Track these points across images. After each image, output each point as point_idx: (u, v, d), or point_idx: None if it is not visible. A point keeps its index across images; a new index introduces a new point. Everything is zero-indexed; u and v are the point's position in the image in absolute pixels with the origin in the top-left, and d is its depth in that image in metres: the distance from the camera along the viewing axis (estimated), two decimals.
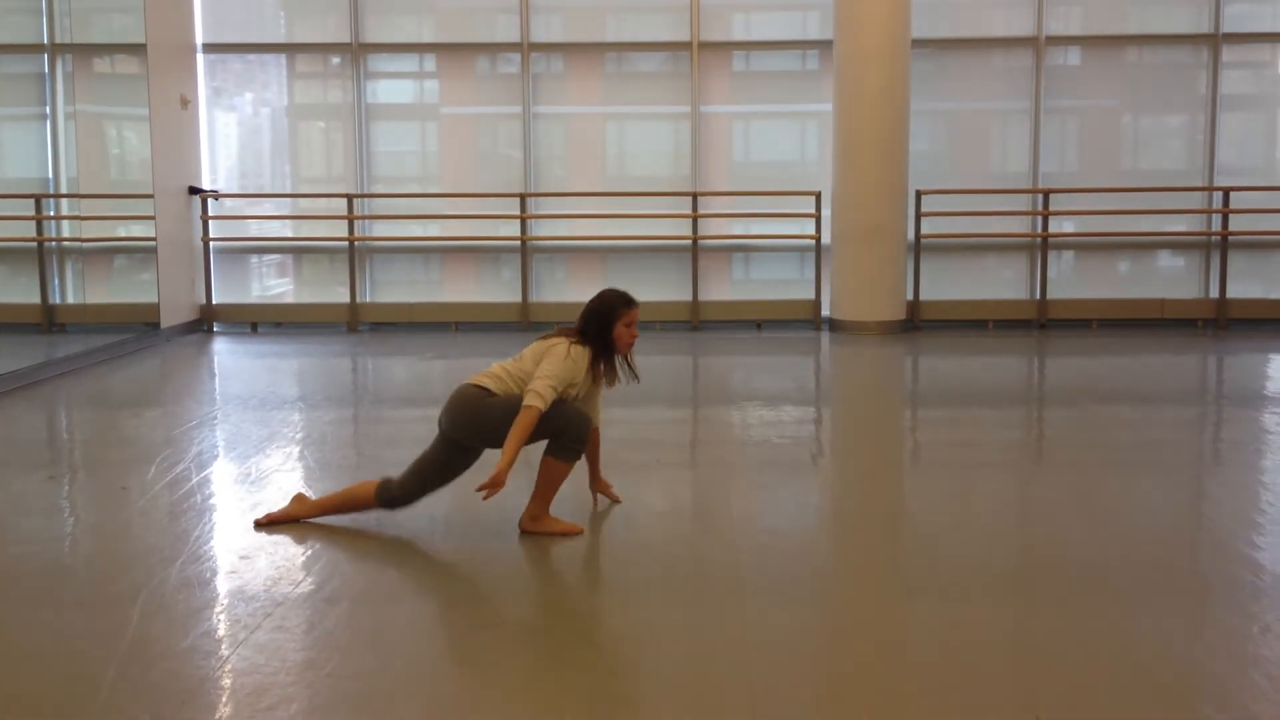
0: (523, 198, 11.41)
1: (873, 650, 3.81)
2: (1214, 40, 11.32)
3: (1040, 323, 11.25)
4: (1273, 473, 5.95)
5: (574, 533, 4.82)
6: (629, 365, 5.04)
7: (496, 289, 11.73)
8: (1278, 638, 3.73)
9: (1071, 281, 11.60)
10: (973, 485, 5.83)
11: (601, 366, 4.86)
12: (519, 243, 11.44)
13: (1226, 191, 11.22)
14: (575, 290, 11.58)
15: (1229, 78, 11.53)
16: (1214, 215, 11.31)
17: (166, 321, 10.78)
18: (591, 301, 4.90)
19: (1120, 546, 4.71)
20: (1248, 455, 6.42)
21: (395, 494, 4.89)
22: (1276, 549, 4.61)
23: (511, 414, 4.57)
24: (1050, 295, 11.34)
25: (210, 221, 11.43)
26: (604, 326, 4.83)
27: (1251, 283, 11.45)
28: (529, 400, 4.57)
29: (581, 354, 4.76)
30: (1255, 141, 11.84)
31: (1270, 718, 3.21)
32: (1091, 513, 5.26)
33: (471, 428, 4.76)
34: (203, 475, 5.88)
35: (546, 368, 4.65)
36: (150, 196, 10.60)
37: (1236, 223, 11.23)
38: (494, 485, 4.43)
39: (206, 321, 11.45)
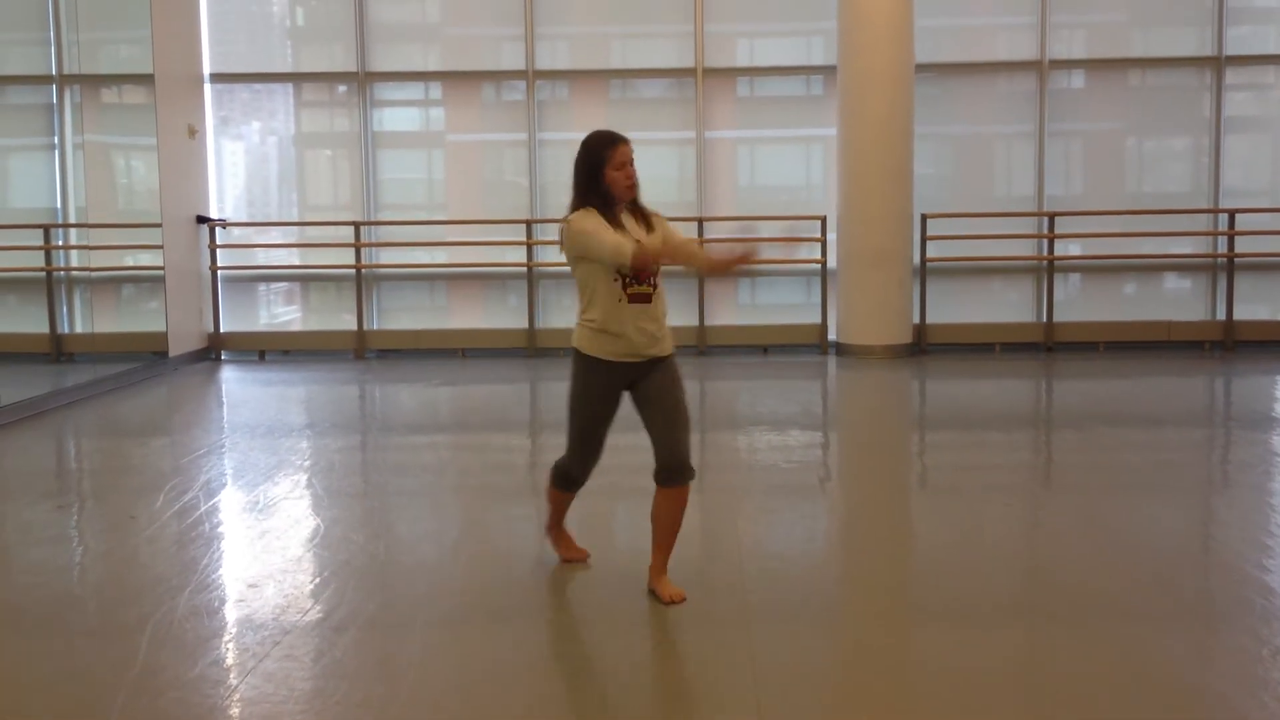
0: (529, 224, 11.45)
1: (880, 673, 3.81)
2: (1217, 63, 11.35)
3: (1047, 345, 11.25)
4: None
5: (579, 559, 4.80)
6: (642, 213, 4.41)
7: (503, 315, 11.75)
8: None
9: (1078, 304, 11.60)
10: (980, 509, 5.82)
11: (620, 217, 4.29)
12: (525, 269, 11.47)
13: (1232, 213, 11.22)
14: None
15: (1233, 100, 11.55)
16: (1220, 237, 11.31)
17: (174, 350, 10.81)
18: (578, 151, 4.39)
19: (1128, 569, 4.70)
20: (1256, 477, 6.41)
21: (566, 469, 4.64)
22: None
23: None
24: (1057, 318, 11.34)
25: (218, 250, 11.47)
26: (593, 177, 4.29)
27: (1258, 304, 11.44)
28: (626, 250, 4.12)
29: (585, 217, 4.25)
30: (1260, 163, 11.85)
31: None
32: (1099, 535, 5.25)
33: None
34: (211, 504, 5.89)
35: (582, 247, 4.22)
36: (158, 226, 10.64)
37: (1242, 245, 11.23)
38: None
39: (214, 350, 11.48)
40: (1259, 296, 11.46)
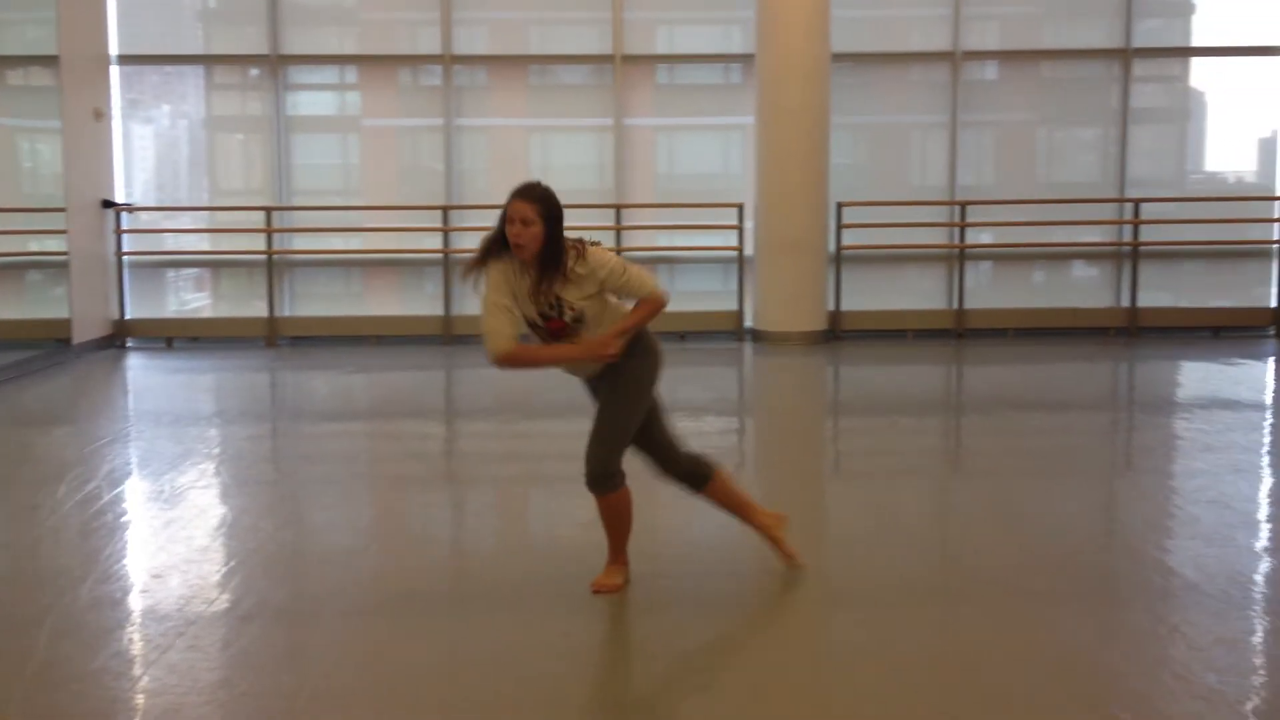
0: (445, 210, 11.35)
1: (795, 657, 3.84)
2: (1125, 55, 11.57)
3: (958, 332, 11.40)
4: (1181, 477, 6.08)
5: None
6: (542, 278, 4.14)
7: (419, 302, 11.65)
8: (1185, 638, 3.81)
9: (988, 291, 11.77)
10: (893, 493, 5.89)
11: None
12: (441, 256, 11.38)
13: (1137, 203, 11.45)
14: None
15: (1140, 91, 11.78)
16: (1125, 226, 11.55)
17: (79, 337, 10.57)
18: None
19: (1036, 551, 4.79)
20: (1157, 461, 6.56)
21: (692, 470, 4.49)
22: (1184, 552, 4.71)
23: None
24: (968, 305, 11.49)
25: (124, 235, 11.23)
26: (503, 229, 4.16)
27: (1161, 292, 11.70)
28: (493, 347, 4.10)
29: (493, 271, 4.17)
30: (1165, 154, 12.10)
31: (1178, 716, 3.28)
32: (1008, 519, 5.34)
33: None
34: (115, 493, 5.77)
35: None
36: (62, 210, 10.40)
37: (1147, 233, 11.47)
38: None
39: (120, 337, 11.25)
40: (1162, 284, 11.71)
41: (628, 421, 4.28)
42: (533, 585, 4.38)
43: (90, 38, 10.96)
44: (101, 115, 11.02)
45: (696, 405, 8.30)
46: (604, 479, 4.24)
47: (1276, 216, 11.41)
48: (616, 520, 4.35)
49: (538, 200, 4.14)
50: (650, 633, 3.96)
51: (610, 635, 4.01)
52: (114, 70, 11.35)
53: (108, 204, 11.11)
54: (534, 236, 4.10)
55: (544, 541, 4.88)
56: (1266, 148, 11.85)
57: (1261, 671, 3.60)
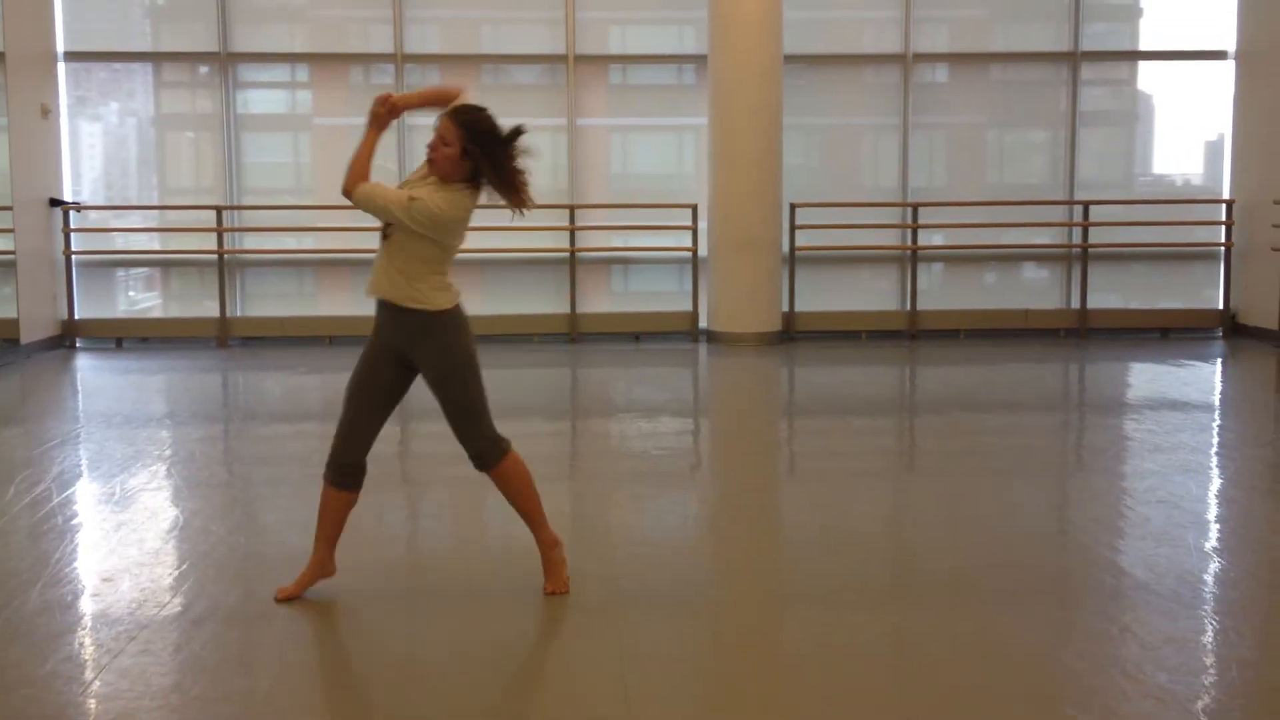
0: None
1: (749, 657, 3.85)
2: (1074, 58, 11.70)
3: (911, 333, 11.48)
4: (1132, 478, 6.16)
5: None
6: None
7: (371, 302, 11.54)
8: (1135, 638, 3.86)
9: (940, 293, 11.86)
10: (847, 494, 5.92)
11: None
12: None
13: (1086, 205, 11.58)
14: None
15: (1088, 94, 11.92)
16: (1075, 228, 11.67)
17: (26, 338, 10.42)
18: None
19: (988, 551, 4.83)
20: (1108, 461, 6.64)
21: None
22: (1135, 552, 4.77)
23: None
24: (920, 306, 11.58)
25: (72, 234, 11.08)
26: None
27: (1110, 293, 11.84)
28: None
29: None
30: (1113, 156, 12.25)
31: (1129, 715, 3.32)
32: (960, 519, 5.39)
33: None
34: (64, 495, 5.70)
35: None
36: (9, 209, 10.25)
37: (1096, 235, 11.60)
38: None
39: (69, 337, 11.10)
40: (1111, 285, 11.86)
41: (477, 389, 4.22)
42: (488, 586, 4.37)
43: (37, 34, 10.81)
44: (48, 112, 10.87)
45: (651, 406, 8.32)
46: (491, 447, 4.20)
47: (1224, 219, 11.57)
48: (523, 488, 4.26)
49: (461, 126, 4.18)
50: (608, 633, 3.96)
51: (569, 636, 4.01)
52: (61, 67, 11.21)
53: (55, 202, 10.97)
54: (446, 158, 4.17)
55: (499, 542, 4.86)
56: (1213, 151, 12.02)
57: (1211, 670, 3.65)
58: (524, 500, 4.27)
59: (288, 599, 4.20)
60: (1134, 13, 12.30)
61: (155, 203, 11.61)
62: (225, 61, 11.34)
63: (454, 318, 4.24)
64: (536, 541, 4.30)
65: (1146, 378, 9.47)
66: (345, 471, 4.24)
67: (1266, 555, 4.77)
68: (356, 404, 4.26)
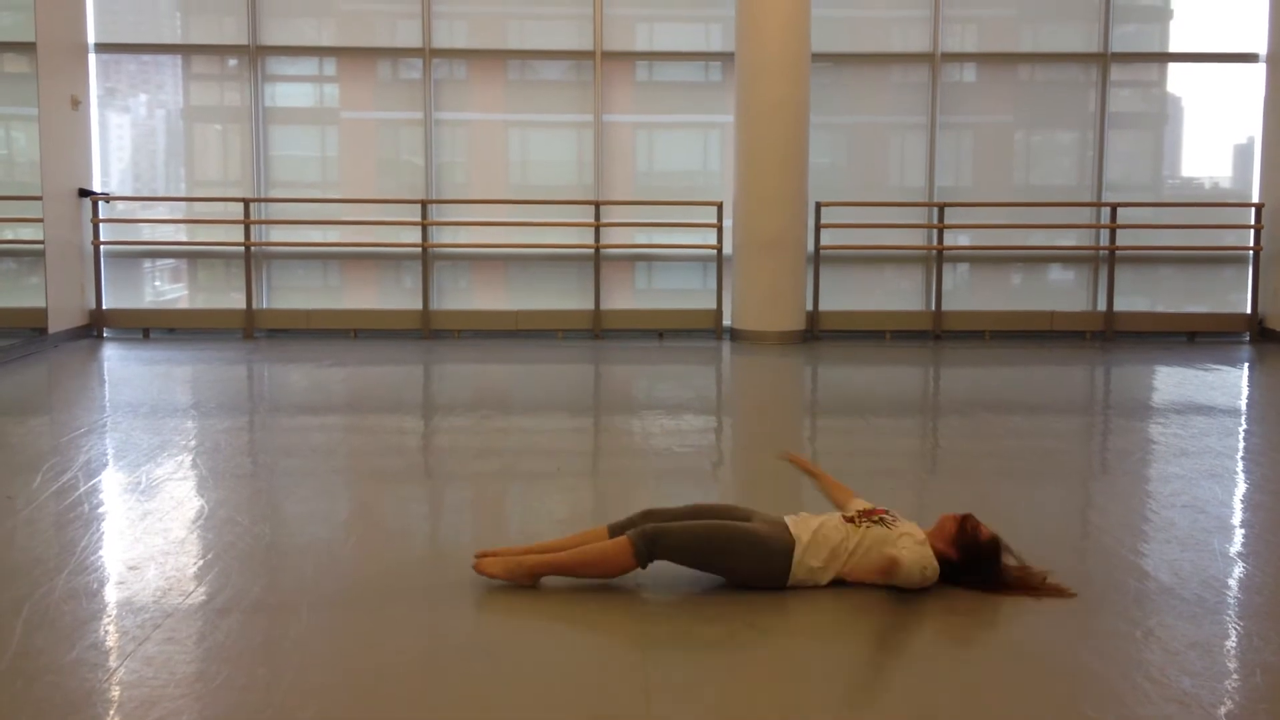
0: (424, 204, 11.33)
1: (769, 658, 3.85)
2: (1103, 59, 11.64)
3: (935, 333, 11.45)
4: (1157, 481, 6.13)
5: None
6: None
7: (397, 296, 11.62)
8: (1159, 641, 3.84)
9: (965, 293, 11.83)
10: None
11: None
12: (420, 250, 11.36)
13: (1114, 207, 11.52)
14: (477, 298, 11.53)
15: (1117, 96, 11.86)
16: (1102, 230, 11.62)
17: (54, 327, 10.50)
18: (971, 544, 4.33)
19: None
20: (1132, 465, 6.60)
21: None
22: (1159, 555, 4.75)
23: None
24: (945, 307, 11.55)
25: (101, 225, 11.17)
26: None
27: (1137, 296, 11.78)
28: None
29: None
30: (1142, 159, 12.19)
31: (1152, 718, 3.30)
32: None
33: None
34: (91, 484, 5.74)
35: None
36: (39, 199, 10.33)
37: (1123, 238, 11.54)
38: None
39: (96, 327, 11.18)
40: (1138, 289, 11.80)
41: None
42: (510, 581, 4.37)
43: (68, 25, 10.89)
44: (79, 104, 10.95)
45: (674, 403, 8.31)
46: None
47: (1252, 223, 11.50)
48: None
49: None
50: (624, 631, 3.96)
51: (590, 631, 4.01)
52: (91, 58, 11.29)
53: (84, 193, 11.05)
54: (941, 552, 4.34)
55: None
56: (1242, 154, 11.94)
57: (1235, 676, 3.63)
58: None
59: (489, 575, 4.26)
60: (1164, 14, 12.22)
61: (183, 194, 11.68)
62: (254, 54, 11.40)
63: None
64: (533, 561, 4.31)
65: (1172, 382, 9.41)
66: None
67: None
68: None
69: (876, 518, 4.39)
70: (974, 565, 4.28)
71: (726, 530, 4.26)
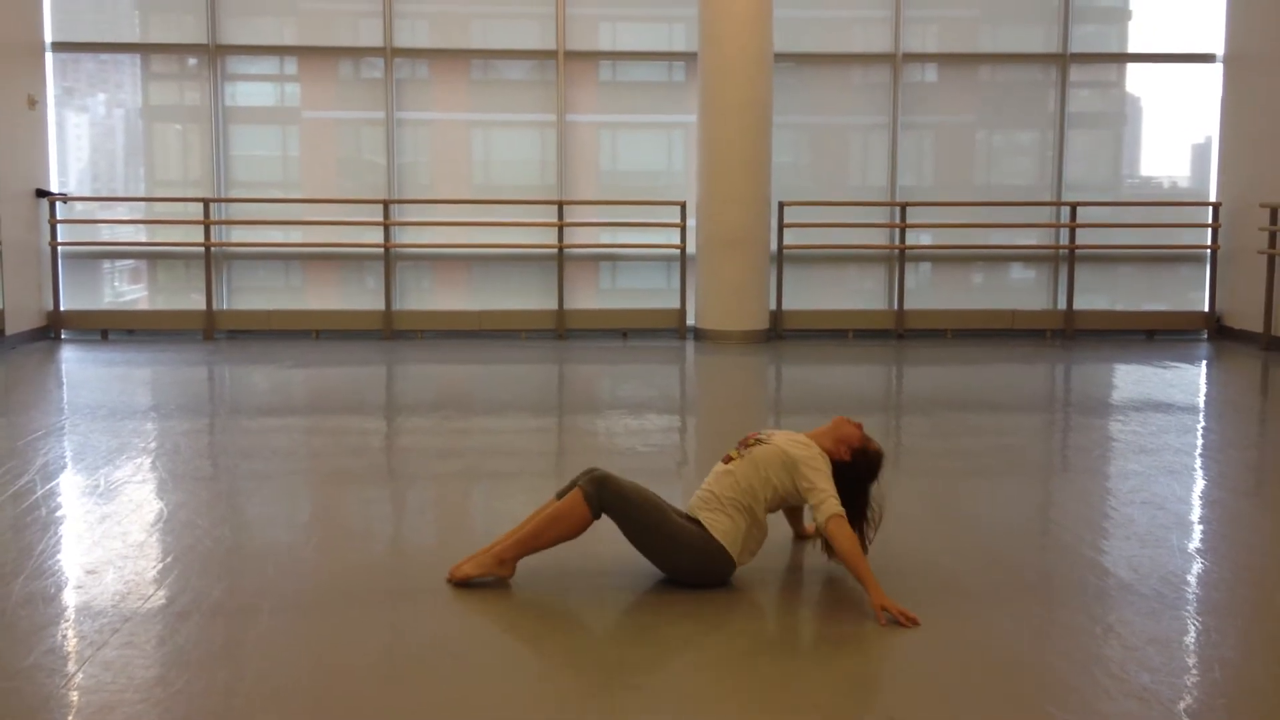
0: (386, 204, 11.28)
1: (733, 657, 3.85)
2: (1063, 60, 11.73)
3: (898, 332, 11.51)
4: (1116, 478, 6.18)
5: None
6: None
7: (359, 297, 11.57)
8: (1119, 638, 3.87)
9: (927, 292, 11.89)
10: None
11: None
12: (382, 250, 11.31)
13: (1074, 206, 11.62)
14: (440, 299, 11.48)
15: (1076, 96, 11.95)
16: (1062, 229, 11.71)
17: (11, 329, 10.39)
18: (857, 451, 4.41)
19: (972, 550, 4.84)
20: (1092, 462, 6.65)
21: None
22: (1118, 552, 4.78)
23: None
24: (907, 306, 11.61)
25: (59, 225, 11.05)
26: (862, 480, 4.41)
27: (1096, 295, 11.89)
28: (832, 510, 4.15)
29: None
30: (1101, 158, 12.30)
31: (1112, 714, 3.33)
32: (944, 517, 5.40)
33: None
34: (48, 487, 5.68)
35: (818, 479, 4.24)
36: None
37: (1083, 236, 11.65)
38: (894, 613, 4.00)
39: (54, 329, 11.07)
40: (1097, 287, 11.91)
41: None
42: (473, 582, 4.36)
43: (24, 24, 10.78)
44: (35, 103, 10.83)
45: (638, 403, 8.31)
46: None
47: (1210, 222, 11.62)
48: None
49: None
50: (590, 629, 3.95)
51: (548, 632, 4.00)
52: (48, 57, 11.17)
53: (42, 193, 10.93)
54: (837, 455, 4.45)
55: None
56: (1200, 154, 12.07)
57: (1194, 671, 3.67)
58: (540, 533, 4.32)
59: (464, 578, 4.27)
60: (1123, 15, 12.34)
61: (142, 195, 11.58)
62: (214, 53, 11.31)
63: None
64: (500, 547, 4.33)
65: (1132, 379, 9.50)
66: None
67: (1250, 557, 4.79)
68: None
69: (753, 441, 4.47)
70: (856, 471, 4.39)
71: (670, 519, 4.28)
